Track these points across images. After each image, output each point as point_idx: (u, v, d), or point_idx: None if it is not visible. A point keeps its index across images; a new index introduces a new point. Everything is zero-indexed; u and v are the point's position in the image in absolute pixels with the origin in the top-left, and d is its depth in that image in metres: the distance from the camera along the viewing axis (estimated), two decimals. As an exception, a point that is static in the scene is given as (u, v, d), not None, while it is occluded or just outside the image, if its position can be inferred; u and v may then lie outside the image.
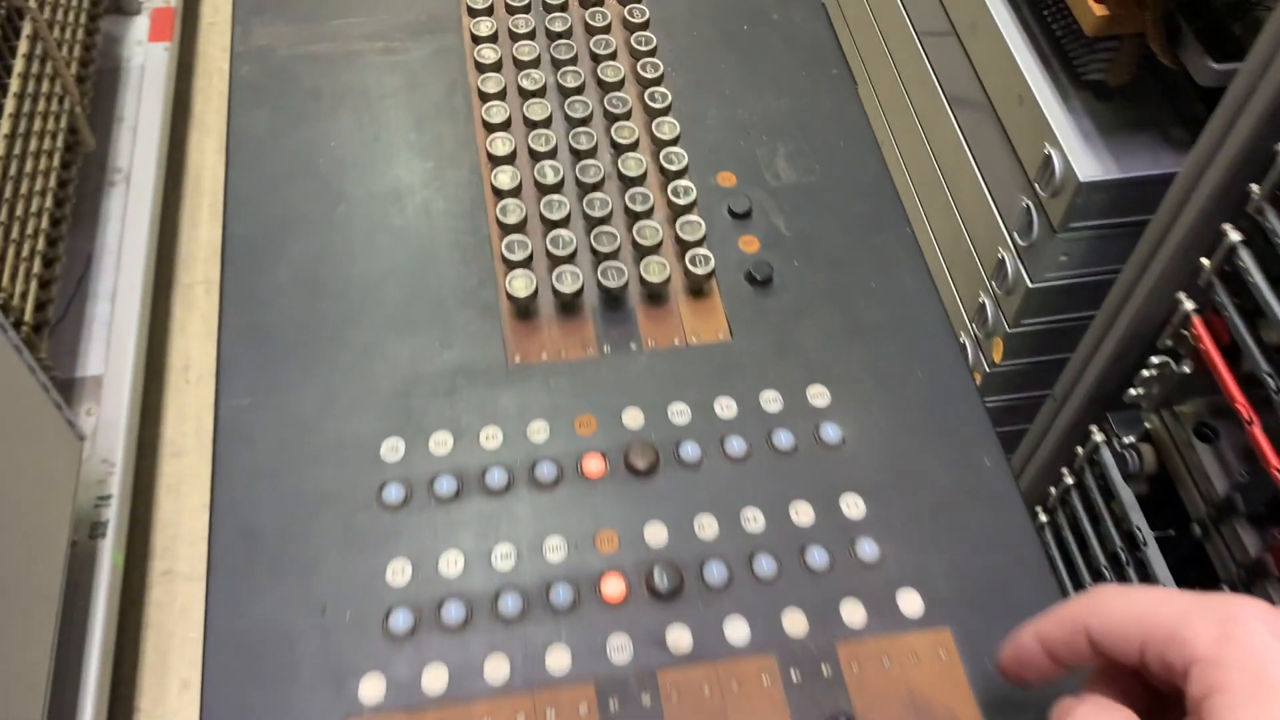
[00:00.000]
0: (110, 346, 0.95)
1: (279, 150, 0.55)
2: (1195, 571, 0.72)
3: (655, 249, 0.51)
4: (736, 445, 0.46)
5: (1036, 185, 0.79)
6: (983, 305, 0.90)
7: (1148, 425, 0.73)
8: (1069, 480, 0.81)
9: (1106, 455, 0.76)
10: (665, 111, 0.56)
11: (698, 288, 0.51)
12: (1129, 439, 0.76)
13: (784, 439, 0.47)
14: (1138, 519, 0.74)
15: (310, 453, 0.46)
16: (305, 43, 0.60)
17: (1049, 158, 0.77)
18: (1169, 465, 0.73)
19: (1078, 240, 0.79)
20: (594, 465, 0.46)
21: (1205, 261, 0.65)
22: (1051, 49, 0.82)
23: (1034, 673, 0.34)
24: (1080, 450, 0.80)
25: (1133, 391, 0.73)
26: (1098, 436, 0.77)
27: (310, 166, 0.55)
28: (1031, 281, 0.83)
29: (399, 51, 0.60)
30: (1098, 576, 0.78)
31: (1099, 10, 0.69)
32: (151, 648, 0.82)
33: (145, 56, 1.12)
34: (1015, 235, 0.84)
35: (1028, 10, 0.83)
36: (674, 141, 0.55)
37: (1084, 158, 0.75)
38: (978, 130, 0.89)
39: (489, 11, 0.60)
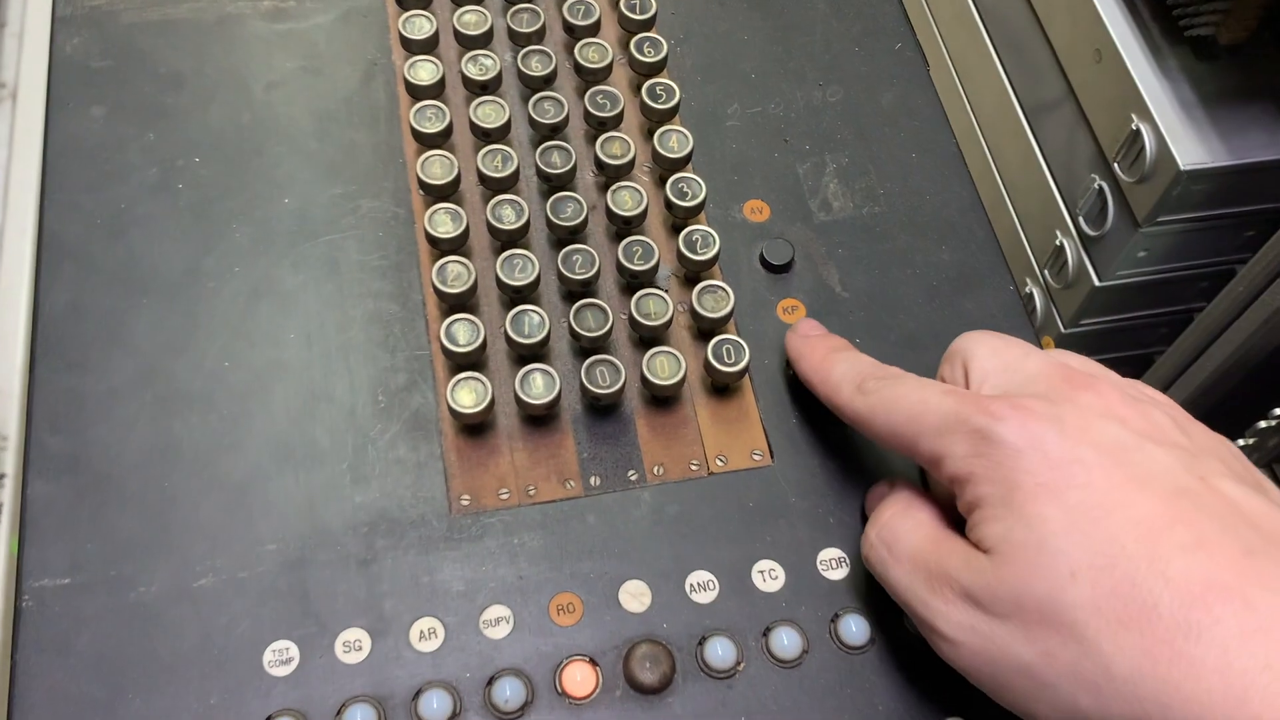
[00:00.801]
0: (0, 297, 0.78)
1: (119, 170, 0.39)
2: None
3: (662, 330, 0.35)
4: (787, 641, 0.32)
5: (1116, 166, 0.64)
6: (1029, 296, 0.76)
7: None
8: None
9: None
10: (671, 114, 0.39)
11: (723, 385, 0.36)
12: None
13: (853, 629, 0.32)
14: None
15: (159, 665, 0.30)
16: (161, 2, 0.43)
17: (1136, 133, 0.61)
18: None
19: (1164, 235, 0.64)
20: (579, 678, 0.31)
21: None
22: (1138, -11, 0.65)
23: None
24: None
25: (1241, 442, 0.59)
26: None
27: (165, 196, 0.38)
28: (1099, 279, 0.68)
29: (293, 16, 0.43)
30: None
31: (1227, -49, 0.53)
32: None
33: (30, -51, 0.92)
34: (1081, 221, 0.69)
35: (1106, -64, 0.66)
36: (685, 161, 0.39)
37: (1184, 137, 0.60)
38: (1035, 87, 0.72)
39: (420, -41, 0.42)
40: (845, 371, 0.33)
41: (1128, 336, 0.74)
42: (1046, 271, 0.74)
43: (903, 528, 0.30)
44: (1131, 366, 0.75)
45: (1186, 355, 0.65)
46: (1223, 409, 0.64)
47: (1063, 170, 0.71)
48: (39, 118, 0.88)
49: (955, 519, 0.30)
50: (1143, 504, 0.26)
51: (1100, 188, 0.66)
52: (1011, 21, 0.75)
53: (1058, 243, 0.71)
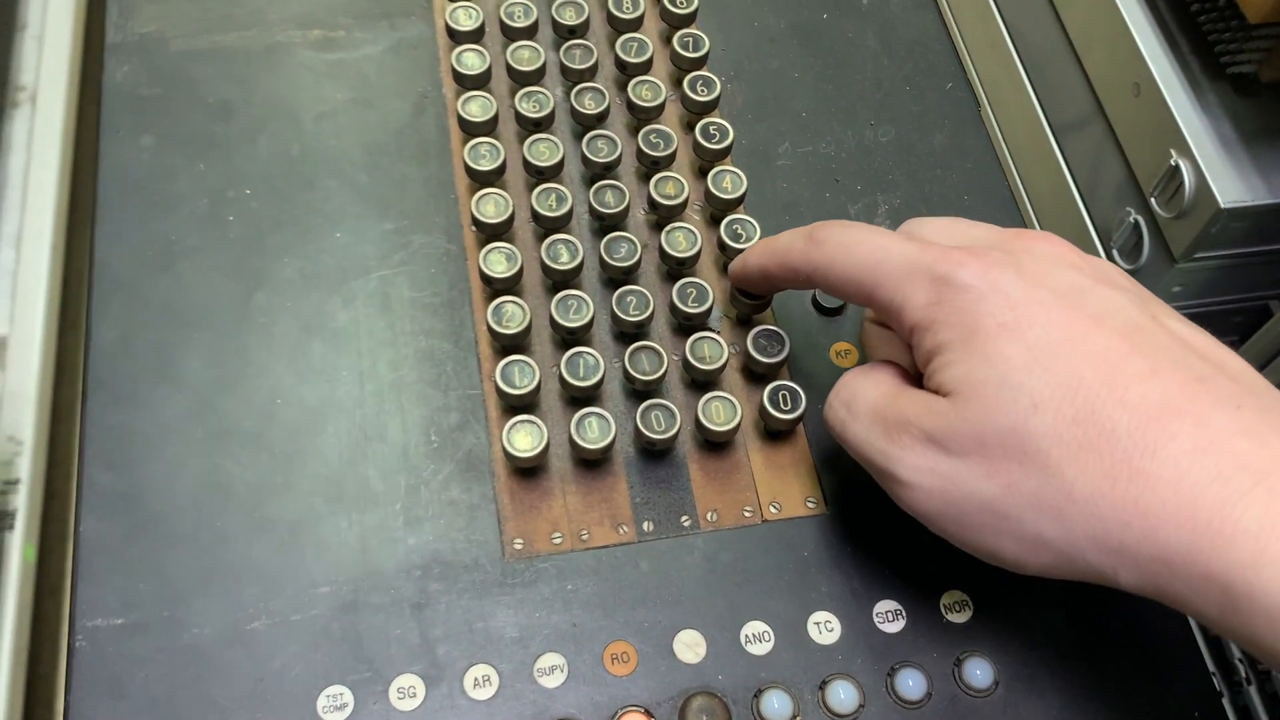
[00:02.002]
0: (16, 300, 0.78)
1: (169, 201, 0.38)
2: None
3: (716, 374, 0.35)
4: (844, 695, 0.31)
5: (1153, 200, 0.63)
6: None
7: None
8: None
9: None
10: (724, 154, 0.39)
11: (777, 430, 0.35)
12: None
13: (911, 683, 0.32)
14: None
15: (213, 709, 0.30)
16: (210, 30, 0.43)
17: (1175, 169, 0.61)
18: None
19: (1200, 270, 0.64)
20: (635, 730, 0.31)
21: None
22: (1176, 22, 0.65)
23: (761, 290, 0.36)
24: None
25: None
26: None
27: (215, 228, 0.38)
28: (1132, 312, 0.68)
29: (343, 46, 0.42)
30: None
31: (1274, -10, 0.53)
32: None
33: (52, -53, 0.92)
34: (1116, 255, 0.68)
35: (1144, -32, 0.66)
36: (738, 202, 0.38)
37: (1225, 175, 0.59)
38: (1070, 118, 0.72)
39: (471, -8, 0.42)
40: (789, 234, 0.33)
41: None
42: (1077, 302, 0.73)
43: (861, 385, 0.31)
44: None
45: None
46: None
47: (1097, 203, 0.71)
48: (58, 121, 0.88)
49: (915, 381, 0.30)
50: (1100, 338, 0.27)
51: (1136, 222, 0.66)
52: (1046, 50, 0.74)
53: (1090, 274, 0.71)
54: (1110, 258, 0.69)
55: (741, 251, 0.37)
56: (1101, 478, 0.25)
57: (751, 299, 0.36)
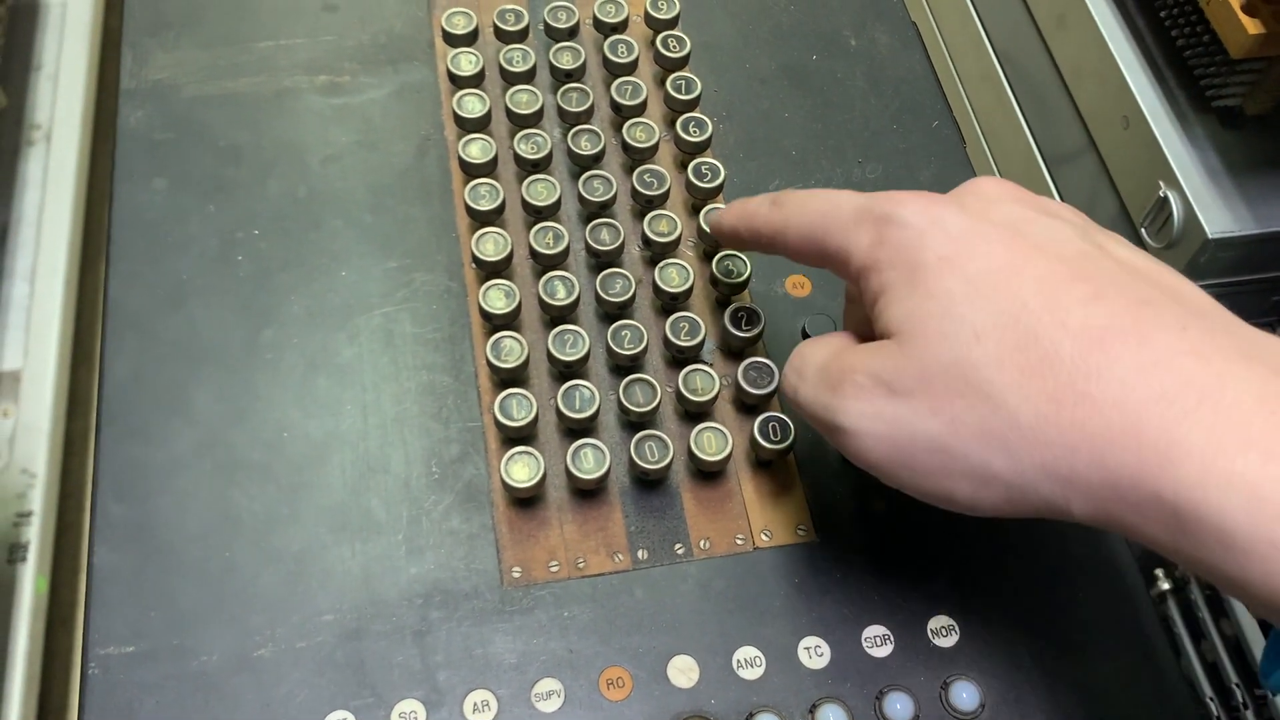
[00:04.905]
0: (30, 335, 0.80)
1: (181, 242, 0.40)
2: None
3: (708, 406, 0.36)
4: (834, 718, 0.32)
5: (1143, 231, 0.64)
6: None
7: None
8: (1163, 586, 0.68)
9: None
10: (716, 192, 0.41)
11: (767, 460, 0.37)
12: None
13: (899, 707, 0.33)
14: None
15: (218, 734, 0.31)
16: (220, 76, 0.44)
17: (1164, 200, 0.62)
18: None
19: (1191, 299, 0.65)
20: (630, 753, 0.32)
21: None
22: (1164, 57, 0.66)
23: (739, 246, 0.37)
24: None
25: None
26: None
27: (224, 268, 0.39)
28: (1126, 341, 0.69)
29: (348, 90, 0.44)
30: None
31: (1254, 28, 0.54)
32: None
33: (66, -9, 0.95)
34: (1108, 284, 0.69)
35: (1132, 3, 0.68)
36: (730, 238, 0.40)
37: (1212, 206, 0.60)
38: (1062, 149, 0.74)
39: (471, 39, 0.44)
40: (759, 198, 0.34)
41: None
42: (1073, 331, 0.74)
43: (811, 349, 0.31)
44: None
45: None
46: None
47: (1089, 232, 0.72)
48: (72, 159, 0.90)
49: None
50: (1042, 264, 0.26)
51: (1127, 251, 0.67)
52: (1038, 85, 0.76)
53: (1084, 303, 0.72)
54: (1103, 287, 0.70)
55: (733, 285, 0.38)
56: (1046, 403, 0.25)
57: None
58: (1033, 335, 0.25)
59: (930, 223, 0.28)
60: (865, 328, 0.30)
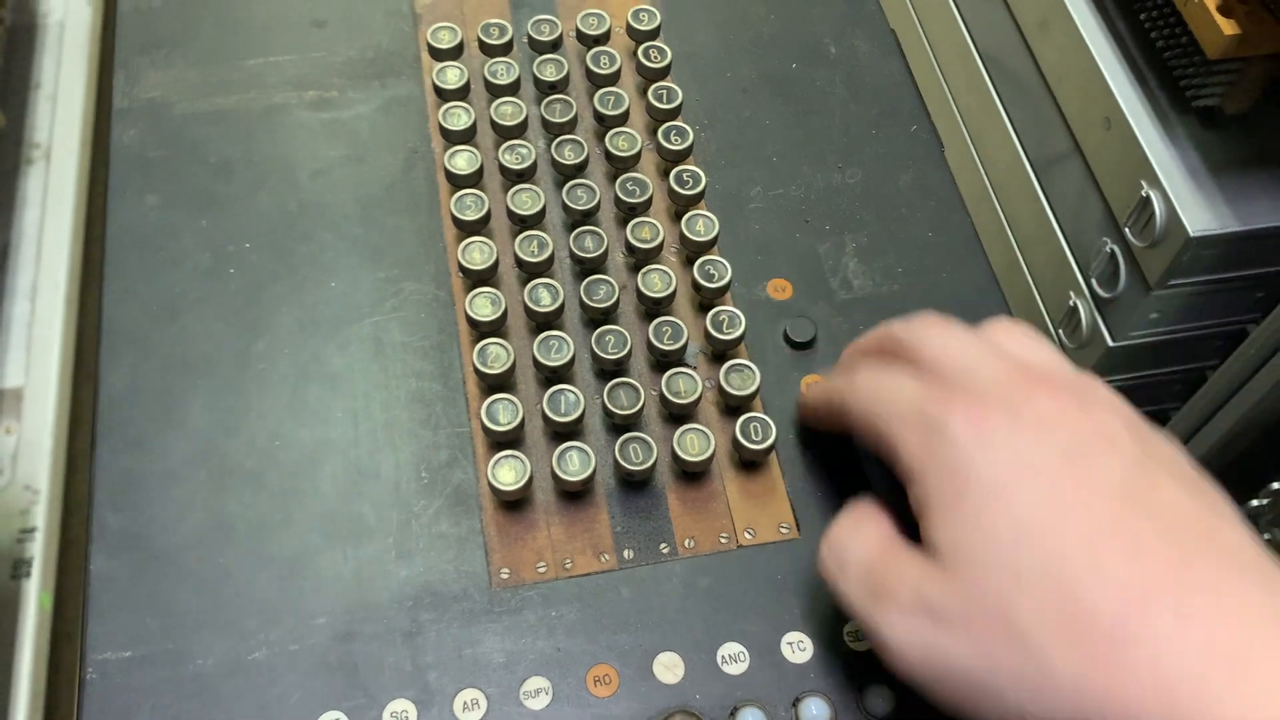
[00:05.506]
0: (31, 353, 0.80)
1: (174, 256, 0.41)
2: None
3: (692, 408, 0.37)
4: (816, 711, 0.33)
5: (1127, 231, 0.65)
6: (1045, 354, 0.77)
7: (1266, 537, 0.61)
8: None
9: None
10: (698, 199, 0.41)
11: (751, 460, 0.37)
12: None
13: (880, 700, 0.33)
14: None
15: (214, 736, 0.32)
16: (211, 93, 0.45)
17: (1147, 199, 0.63)
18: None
19: (1176, 297, 0.66)
20: (617, 748, 0.32)
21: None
22: (1144, 58, 0.67)
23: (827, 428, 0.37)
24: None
25: (1255, 503, 0.60)
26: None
27: (217, 281, 0.40)
28: (1113, 340, 0.70)
29: (336, 105, 0.45)
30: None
31: (1229, 29, 0.55)
32: None
33: (65, 10, 0.96)
34: (1094, 284, 0.70)
35: (1112, 6, 0.69)
36: (711, 244, 0.40)
37: (1193, 204, 0.61)
38: (1047, 151, 0.74)
39: (457, 52, 0.45)
40: (837, 376, 0.35)
41: (1142, 394, 0.75)
42: (1061, 332, 0.75)
43: (852, 541, 0.31)
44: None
45: (1200, 414, 0.66)
46: (1236, 468, 0.65)
47: (1075, 233, 0.73)
48: (71, 177, 0.91)
49: (909, 525, 0.30)
50: (1087, 512, 0.27)
51: (1112, 251, 0.68)
52: (1022, 88, 0.77)
53: (1071, 304, 0.73)
54: (1089, 287, 0.71)
55: (714, 290, 0.39)
56: (1083, 662, 0.25)
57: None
58: (1073, 592, 0.26)
59: (979, 444, 0.28)
60: (898, 494, 0.31)
